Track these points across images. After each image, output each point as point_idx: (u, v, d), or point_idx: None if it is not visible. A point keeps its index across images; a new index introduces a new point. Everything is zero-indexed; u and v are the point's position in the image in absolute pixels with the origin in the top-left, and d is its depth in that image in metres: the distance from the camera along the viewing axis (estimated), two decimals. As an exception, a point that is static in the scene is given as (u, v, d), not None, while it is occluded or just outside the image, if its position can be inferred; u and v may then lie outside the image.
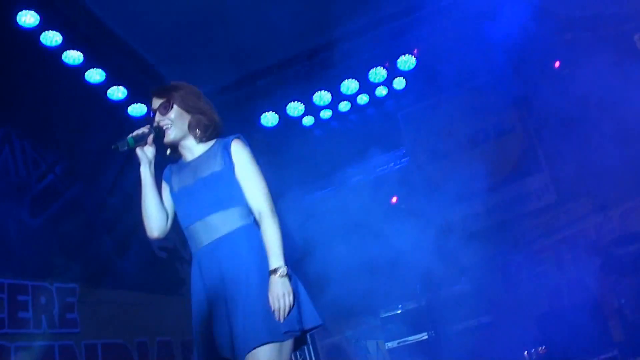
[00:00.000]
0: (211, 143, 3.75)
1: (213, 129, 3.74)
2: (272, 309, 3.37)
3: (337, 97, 9.80)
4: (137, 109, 8.51)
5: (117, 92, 8.27)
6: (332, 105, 9.98)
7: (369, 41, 9.05)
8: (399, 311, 9.01)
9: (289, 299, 3.38)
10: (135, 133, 3.61)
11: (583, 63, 9.00)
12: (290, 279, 3.48)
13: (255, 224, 3.64)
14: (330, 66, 9.16)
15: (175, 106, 3.69)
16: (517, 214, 10.11)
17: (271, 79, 9.10)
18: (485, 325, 8.45)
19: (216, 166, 3.62)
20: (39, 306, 7.18)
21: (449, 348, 8.20)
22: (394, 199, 10.99)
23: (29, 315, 7.03)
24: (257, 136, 9.37)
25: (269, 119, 9.68)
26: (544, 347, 7.91)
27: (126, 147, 3.60)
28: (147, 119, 3.75)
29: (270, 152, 9.40)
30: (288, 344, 3.43)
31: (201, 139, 3.72)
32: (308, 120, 10.14)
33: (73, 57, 7.66)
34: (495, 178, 10.22)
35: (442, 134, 10.71)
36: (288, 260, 3.51)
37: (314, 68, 9.15)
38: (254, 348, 3.31)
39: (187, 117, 3.70)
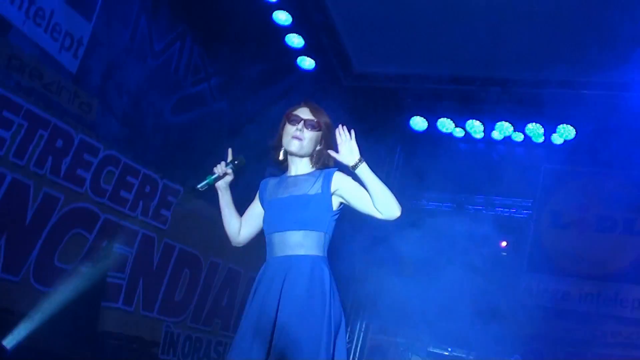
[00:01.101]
0: (314, 168, 3.99)
1: (325, 165, 3.99)
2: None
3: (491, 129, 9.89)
4: (305, 62, 8.89)
5: (294, 39, 8.66)
6: (485, 130, 10.12)
7: (548, 96, 9.07)
8: (446, 353, 9.12)
9: (352, 146, 3.80)
10: (214, 177, 4.11)
11: None
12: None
13: (325, 257, 3.87)
14: (500, 101, 9.25)
15: (318, 132, 3.97)
16: (604, 314, 9.92)
17: (446, 87, 9.27)
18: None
19: (311, 189, 3.87)
20: (142, 192, 7.74)
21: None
22: (504, 243, 10.96)
23: (130, 196, 7.60)
24: (401, 135, 9.63)
25: (419, 123, 9.88)
26: None
27: (206, 187, 4.13)
28: (291, 116, 3.99)
29: (411, 153, 9.59)
30: None
31: (313, 165, 3.98)
32: (458, 133, 10.30)
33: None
34: (602, 270, 10.04)
35: (575, 205, 10.55)
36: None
37: (488, 98, 9.28)
38: None
39: (317, 145, 3.98)
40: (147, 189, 7.80)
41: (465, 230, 10.19)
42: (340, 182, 3.88)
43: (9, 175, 6.29)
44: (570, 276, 10.20)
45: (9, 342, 6.12)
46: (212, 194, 8.31)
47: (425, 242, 9.54)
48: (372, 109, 9.62)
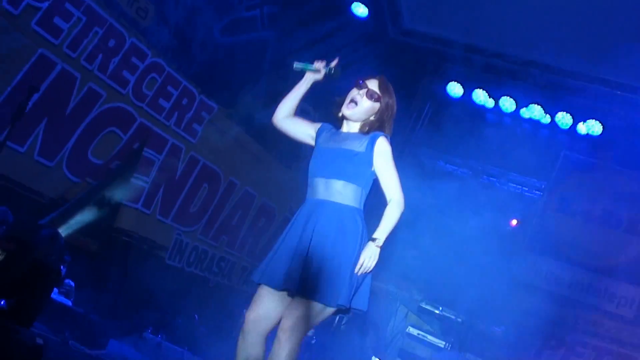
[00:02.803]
0: (364, 132, 4.27)
1: (373, 132, 4.25)
2: (358, 266, 3.92)
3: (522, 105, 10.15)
4: (359, 9, 9.05)
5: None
6: (516, 107, 10.36)
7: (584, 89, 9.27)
8: (437, 311, 9.47)
9: (372, 264, 3.94)
10: (311, 67, 4.20)
11: None
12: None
13: (361, 209, 4.17)
14: (537, 85, 9.44)
15: (376, 103, 4.21)
16: (589, 303, 10.27)
17: (489, 60, 9.47)
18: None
19: (358, 147, 4.13)
20: (179, 103, 7.99)
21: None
22: (514, 222, 11.21)
23: (167, 105, 7.85)
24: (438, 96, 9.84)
25: (456, 90, 10.11)
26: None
27: (299, 69, 4.24)
28: (361, 81, 4.25)
29: (440, 114, 9.81)
30: (326, 310, 3.98)
31: (361, 131, 4.24)
32: (489, 103, 10.52)
33: None
34: (598, 263, 10.37)
35: (585, 195, 10.81)
36: None
37: (526, 79, 9.48)
38: (306, 298, 3.90)
39: (372, 115, 4.23)
40: (185, 101, 8.04)
41: (476, 198, 10.48)
42: (378, 150, 4.15)
43: (60, 64, 6.54)
44: (566, 262, 10.54)
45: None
46: (241, 119, 8.58)
47: (435, 200, 9.83)
48: (412, 65, 9.80)
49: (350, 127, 4.24)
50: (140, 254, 7.99)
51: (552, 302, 10.10)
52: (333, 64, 4.26)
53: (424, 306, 9.57)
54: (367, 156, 4.13)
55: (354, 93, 4.20)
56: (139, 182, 7.77)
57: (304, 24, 9.06)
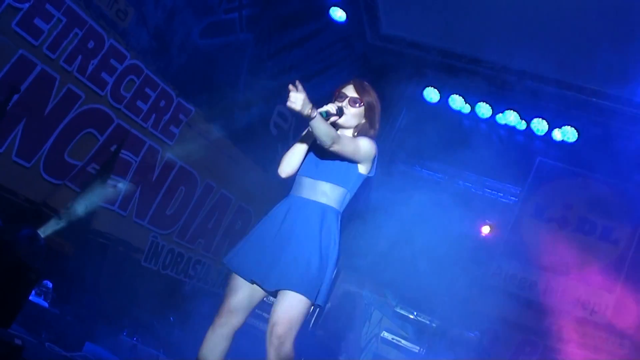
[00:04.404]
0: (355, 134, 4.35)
1: (366, 136, 4.32)
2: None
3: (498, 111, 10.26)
4: (336, 13, 9.09)
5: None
6: (492, 113, 10.47)
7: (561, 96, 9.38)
8: (411, 316, 9.53)
9: (291, 103, 3.79)
10: (329, 109, 4.16)
11: None
12: None
13: (340, 213, 4.28)
14: (513, 91, 9.56)
15: (362, 108, 4.31)
16: (564, 309, 10.37)
17: (465, 66, 9.54)
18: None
19: None
20: (157, 105, 7.97)
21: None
22: (486, 229, 11.27)
23: (144, 107, 7.83)
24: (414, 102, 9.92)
25: (432, 95, 10.21)
26: None
27: (324, 115, 4.15)
28: (339, 92, 4.30)
29: (417, 120, 9.88)
30: (309, 305, 4.06)
31: (353, 135, 4.33)
32: (465, 109, 10.62)
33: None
34: (572, 268, 10.50)
35: (560, 202, 10.93)
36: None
37: (503, 85, 9.58)
38: (285, 289, 3.99)
39: (360, 119, 4.34)
40: (162, 103, 8.01)
41: (451, 204, 10.55)
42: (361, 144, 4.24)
43: (40, 65, 6.49)
44: (540, 269, 10.65)
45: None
46: (218, 121, 8.58)
47: (410, 206, 9.89)
48: (389, 70, 9.86)
49: (343, 132, 4.33)
50: (116, 256, 7.94)
51: (527, 308, 10.21)
52: (341, 105, 4.27)
53: (398, 311, 9.63)
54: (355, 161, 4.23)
55: (340, 105, 4.28)
56: (112, 183, 7.73)
57: (283, 27, 9.10)
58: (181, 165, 8.58)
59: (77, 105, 7.02)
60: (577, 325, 10.27)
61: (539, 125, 10.32)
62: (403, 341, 9.28)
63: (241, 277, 4.16)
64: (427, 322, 9.39)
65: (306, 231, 4.10)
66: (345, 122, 4.28)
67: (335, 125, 4.27)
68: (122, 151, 7.73)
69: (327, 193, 4.20)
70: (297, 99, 3.76)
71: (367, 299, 10.39)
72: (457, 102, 10.51)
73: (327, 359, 9.10)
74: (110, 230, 7.89)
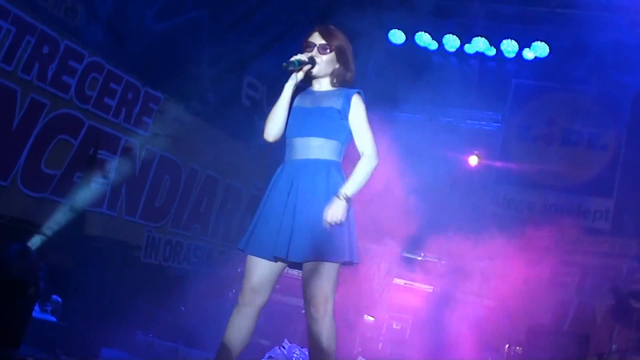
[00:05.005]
0: (336, 87, 4.22)
1: (346, 83, 4.24)
2: (324, 223, 3.88)
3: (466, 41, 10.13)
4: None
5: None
6: (460, 44, 10.35)
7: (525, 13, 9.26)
8: (419, 257, 9.44)
9: (336, 218, 3.86)
10: (299, 57, 4.08)
11: None
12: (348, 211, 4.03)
13: (340, 162, 4.18)
14: (478, 16, 9.44)
15: (332, 53, 4.17)
16: (566, 223, 10.38)
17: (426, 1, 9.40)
18: (486, 307, 8.86)
19: (336, 104, 4.13)
20: (124, 99, 7.81)
21: (445, 308, 8.64)
22: (474, 160, 11.21)
23: (113, 103, 7.67)
24: (380, 47, 9.78)
25: (397, 37, 10.07)
26: (521, 348, 8.36)
27: (292, 67, 4.09)
28: (306, 43, 4.19)
29: (386, 64, 9.75)
30: (338, 267, 3.96)
31: (334, 84, 4.21)
32: (432, 45, 10.50)
33: None
34: (566, 182, 10.52)
35: (543, 119, 10.90)
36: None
37: (467, 13, 9.44)
38: (312, 260, 3.89)
39: (334, 65, 4.20)
40: (130, 95, 7.86)
41: (437, 141, 10.49)
42: (354, 107, 4.14)
43: (-3, 80, 6.33)
44: (535, 187, 10.65)
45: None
46: (190, 103, 8.43)
47: (397, 151, 9.77)
48: (350, 21, 9.64)
49: (322, 83, 4.25)
50: (115, 258, 7.84)
51: (529, 228, 10.18)
52: (312, 55, 4.16)
53: (405, 255, 9.55)
54: (344, 112, 4.13)
55: (310, 55, 4.16)
56: (99, 185, 7.60)
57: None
58: (161, 155, 8.46)
59: (43, 114, 6.87)
60: (582, 236, 10.30)
61: (509, 47, 10.21)
62: (416, 284, 9.21)
63: (263, 258, 4.03)
64: (436, 260, 9.31)
65: (313, 192, 3.99)
66: (320, 71, 4.17)
67: (309, 76, 4.17)
68: (100, 152, 7.59)
69: (322, 148, 4.09)
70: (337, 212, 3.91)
71: (372, 251, 10.28)
72: (423, 39, 10.38)
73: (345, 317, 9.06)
74: (104, 233, 7.79)
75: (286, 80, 4.18)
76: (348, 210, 3.97)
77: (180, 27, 8.37)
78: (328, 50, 4.16)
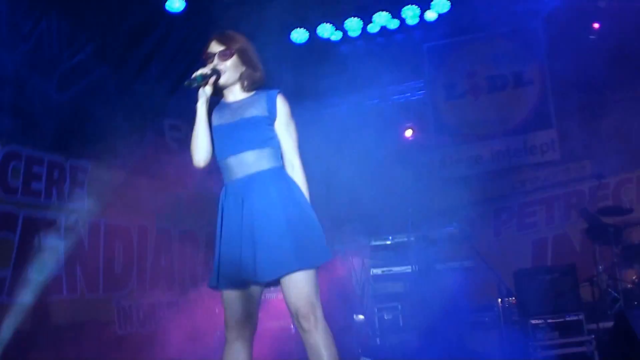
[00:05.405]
0: (252, 91, 4.05)
1: (259, 83, 4.05)
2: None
3: (368, 21, 10.05)
4: (174, 4, 8.74)
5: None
6: (363, 26, 10.28)
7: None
8: (388, 242, 9.37)
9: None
10: (200, 72, 3.89)
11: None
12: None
13: (282, 166, 4.02)
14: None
15: (234, 56, 3.98)
16: (518, 165, 10.45)
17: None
18: (467, 269, 8.84)
19: (259, 111, 3.94)
20: (51, 179, 7.53)
21: (429, 283, 8.58)
22: (409, 133, 11.24)
23: (41, 186, 7.38)
24: (285, 50, 9.64)
25: (300, 36, 9.96)
26: (514, 298, 8.33)
27: (195, 84, 3.88)
28: (206, 55, 4.02)
29: (294, 65, 9.61)
30: (315, 272, 3.80)
31: (246, 89, 4.02)
32: (336, 36, 10.41)
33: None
34: (505, 126, 10.58)
35: (464, 73, 10.94)
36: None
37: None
38: (286, 274, 3.71)
39: (241, 68, 4.01)
40: (56, 174, 7.58)
41: (368, 123, 10.43)
42: (280, 110, 3.99)
43: None
44: (478, 140, 10.68)
45: None
46: (117, 162, 8.19)
47: (331, 143, 9.68)
48: (252, 33, 9.51)
49: (235, 92, 4.06)
50: (91, 339, 7.55)
51: (485, 181, 10.21)
52: (214, 65, 3.99)
53: (374, 244, 9.46)
54: (272, 116, 3.97)
55: (213, 66, 3.98)
56: (51, 273, 7.31)
57: (132, 44, 8.69)
58: (105, 222, 8.18)
59: (-26, 219, 6.57)
60: (537, 172, 10.37)
61: (411, 13, 10.13)
62: (394, 268, 9.14)
63: (236, 289, 3.86)
64: (405, 239, 9.25)
65: (267, 205, 3.82)
66: (228, 79, 3.99)
67: (219, 88, 4.01)
68: (43, 240, 7.30)
69: (259, 160, 3.91)
70: None
71: (340, 251, 10.18)
72: (325, 32, 10.25)
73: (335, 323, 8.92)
74: (72, 317, 7.50)
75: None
76: (298, 202, 3.89)
77: (86, 90, 8.10)
78: (229, 55, 3.98)
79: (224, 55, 3.97)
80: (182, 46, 9.25)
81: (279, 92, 4.01)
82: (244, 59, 4.02)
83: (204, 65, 4.01)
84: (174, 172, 9.05)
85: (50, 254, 7.36)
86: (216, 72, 3.93)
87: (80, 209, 7.82)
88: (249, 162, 3.90)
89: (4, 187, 6.88)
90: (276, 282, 3.85)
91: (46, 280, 7.22)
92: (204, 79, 3.88)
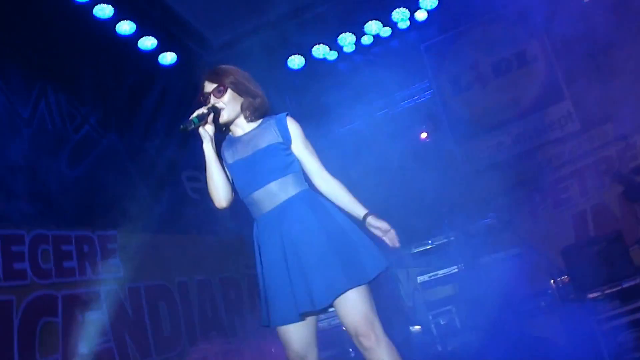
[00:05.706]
0: (259, 120, 3.97)
1: (263, 110, 3.97)
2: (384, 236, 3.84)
3: (361, 34, 10.00)
4: (166, 58, 8.71)
5: (146, 42, 8.47)
6: (356, 40, 10.21)
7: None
8: (429, 246, 9.26)
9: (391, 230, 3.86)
10: (196, 113, 3.86)
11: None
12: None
13: (309, 188, 3.97)
14: (353, 9, 9.29)
15: (228, 90, 3.93)
16: (540, 143, 10.30)
17: (296, 22, 9.21)
18: (513, 257, 8.69)
19: (273, 138, 3.90)
20: (82, 254, 7.48)
21: (478, 279, 8.45)
22: (424, 135, 11.17)
23: (73, 264, 7.33)
24: (285, 79, 9.61)
25: (296, 62, 9.92)
26: (567, 276, 8.16)
27: (192, 127, 3.84)
28: (202, 96, 3.97)
29: (297, 92, 9.58)
30: (367, 288, 3.74)
31: (251, 119, 3.94)
32: (331, 55, 10.35)
33: (103, 10, 7.84)
34: (519, 108, 10.45)
35: (466, 65, 10.84)
36: None
37: (338, 9, 9.28)
38: (339, 295, 3.64)
39: (239, 100, 3.99)
40: (85, 248, 7.54)
41: (381, 134, 10.36)
42: (293, 132, 3.95)
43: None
44: (494, 129, 10.55)
45: None
46: (144, 224, 8.15)
47: (349, 160, 9.61)
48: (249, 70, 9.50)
49: (241, 125, 4.03)
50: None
51: (514, 166, 10.07)
52: (212, 104, 3.98)
53: (415, 251, 9.34)
54: (287, 142, 3.92)
55: (210, 104, 3.96)
56: (102, 347, 7.25)
57: (134, 106, 8.70)
58: (145, 285, 8.13)
59: (14, 310, 6.51)
60: (562, 147, 10.21)
61: (400, 16, 10.07)
62: (440, 272, 9.01)
63: (292, 322, 3.78)
64: (445, 240, 9.13)
65: (303, 229, 3.75)
66: (230, 114, 3.97)
67: (224, 125, 3.99)
68: (86, 316, 7.24)
69: (285, 187, 3.85)
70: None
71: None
72: (320, 52, 10.20)
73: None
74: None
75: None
76: (344, 225, 3.80)
77: (97, 160, 8.10)
78: (224, 90, 3.94)
79: (219, 92, 3.94)
80: (183, 96, 9.25)
81: (287, 115, 3.97)
82: (240, 90, 3.98)
83: (201, 106, 3.96)
84: (202, 222, 9.02)
85: (96, 328, 7.31)
86: (213, 110, 3.88)
87: (117, 277, 7.76)
88: (275, 193, 3.84)
89: (37, 273, 6.83)
90: (329, 306, 3.77)
91: (98, 355, 7.17)
92: (201, 119, 3.83)
